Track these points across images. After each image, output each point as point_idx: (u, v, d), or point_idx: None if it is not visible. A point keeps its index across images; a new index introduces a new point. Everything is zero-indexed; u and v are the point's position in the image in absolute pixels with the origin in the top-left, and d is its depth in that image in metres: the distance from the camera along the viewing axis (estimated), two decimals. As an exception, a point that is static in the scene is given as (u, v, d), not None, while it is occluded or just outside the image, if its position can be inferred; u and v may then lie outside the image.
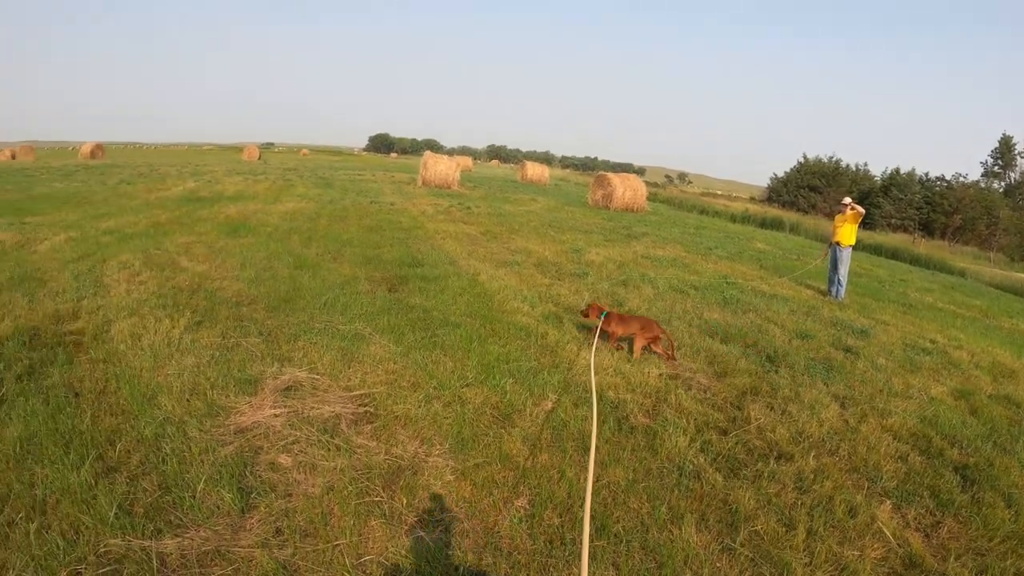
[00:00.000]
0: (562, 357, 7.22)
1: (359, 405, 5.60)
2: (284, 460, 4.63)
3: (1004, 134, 72.25)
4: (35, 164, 51.28)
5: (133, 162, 56.57)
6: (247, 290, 9.13)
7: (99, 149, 67.45)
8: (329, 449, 4.82)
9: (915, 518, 4.81)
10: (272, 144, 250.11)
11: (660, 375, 7.00)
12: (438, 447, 5.00)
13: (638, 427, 5.65)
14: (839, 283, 13.82)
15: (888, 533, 4.49)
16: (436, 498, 4.32)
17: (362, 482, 4.42)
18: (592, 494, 4.42)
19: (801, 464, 5.27)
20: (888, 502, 4.93)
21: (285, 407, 5.41)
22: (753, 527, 4.30)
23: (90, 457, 4.47)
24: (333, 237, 14.48)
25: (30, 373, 5.92)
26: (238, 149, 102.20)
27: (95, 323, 7.35)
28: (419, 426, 5.29)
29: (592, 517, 4.18)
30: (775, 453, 5.44)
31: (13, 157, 64.04)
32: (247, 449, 4.75)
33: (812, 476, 5.09)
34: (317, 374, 6.18)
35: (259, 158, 74.24)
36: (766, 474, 5.02)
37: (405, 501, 4.24)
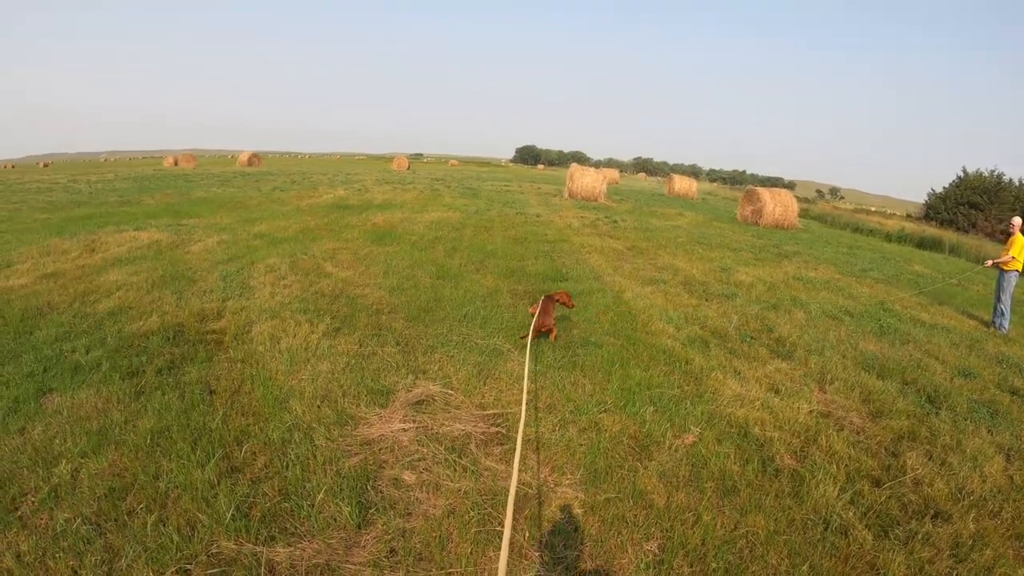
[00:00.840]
0: (707, 386, 6.93)
1: (491, 424, 5.57)
2: (407, 477, 4.66)
3: None
4: (195, 171, 55.39)
5: (287, 170, 59.77)
6: (388, 298, 9.39)
7: (256, 158, 71.85)
8: (455, 469, 4.80)
9: None
10: (421, 155, 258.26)
11: (811, 412, 6.58)
12: (569, 476, 4.88)
13: (784, 470, 5.32)
14: (1002, 313, 12.41)
15: None
16: (561, 532, 4.19)
17: (486, 508, 4.35)
18: (726, 542, 4.22)
19: (959, 526, 4.78)
20: (1054, 578, 4.41)
21: (414, 422, 5.47)
22: (904, 598, 3.94)
23: (216, 456, 4.70)
24: (477, 248, 14.64)
25: (170, 368, 6.35)
26: (388, 159, 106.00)
27: (237, 323, 7.79)
28: (551, 452, 5.20)
29: (727, 570, 3.99)
30: (931, 511, 4.96)
31: (175, 164, 69.57)
32: (371, 462, 4.82)
33: (971, 542, 4.61)
34: (451, 389, 6.22)
35: (408, 168, 76.44)
36: (920, 536, 4.59)
37: (528, 533, 4.14)
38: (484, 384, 6.42)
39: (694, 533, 4.30)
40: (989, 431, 6.75)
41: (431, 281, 10.69)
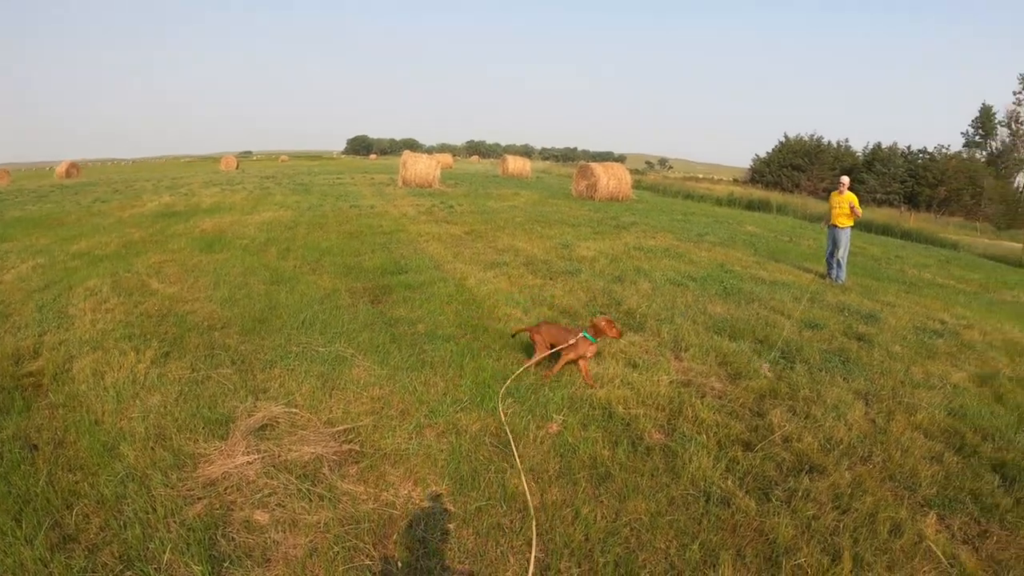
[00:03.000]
0: (564, 369, 6.75)
1: (342, 442, 5.09)
2: (260, 517, 4.14)
3: (984, 104, 73.19)
4: (9, 188, 50.14)
5: (110, 179, 55.45)
6: (220, 312, 8.61)
7: (74, 168, 65.90)
8: (311, 500, 4.32)
9: (960, 529, 4.47)
10: (250, 152, 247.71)
11: (671, 382, 6.56)
12: (433, 487, 4.52)
13: (655, 447, 5.21)
14: (839, 266, 13.56)
15: (938, 552, 4.11)
16: (435, 554, 3.83)
17: (350, 539, 3.92)
18: (610, 533, 4.03)
19: (836, 478, 4.86)
20: (932, 513, 4.56)
21: (259, 451, 4.89)
22: (795, 560, 3.89)
23: (45, 526, 3.97)
24: (312, 246, 13.94)
25: (-17, 426, 5.41)
26: (216, 159, 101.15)
27: (56, 361, 6.82)
28: (411, 464, 4.80)
29: (616, 563, 3.78)
30: (806, 466, 5.02)
31: (-14, 182, 62.76)
32: (218, 506, 4.24)
33: (850, 491, 4.70)
34: (295, 407, 5.64)
35: (237, 167, 73.14)
36: (801, 493, 4.61)
37: (400, 560, 3.76)
38: (330, 397, 5.90)
39: (575, 530, 4.08)
40: (844, 379, 7.07)
41: (265, 288, 9.92)
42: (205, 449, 4.92)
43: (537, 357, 6.65)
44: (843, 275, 13.54)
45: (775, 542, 4.05)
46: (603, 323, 6.53)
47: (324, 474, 4.64)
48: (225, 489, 4.42)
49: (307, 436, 5.16)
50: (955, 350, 8.77)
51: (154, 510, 4.15)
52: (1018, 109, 70.89)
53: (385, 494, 4.41)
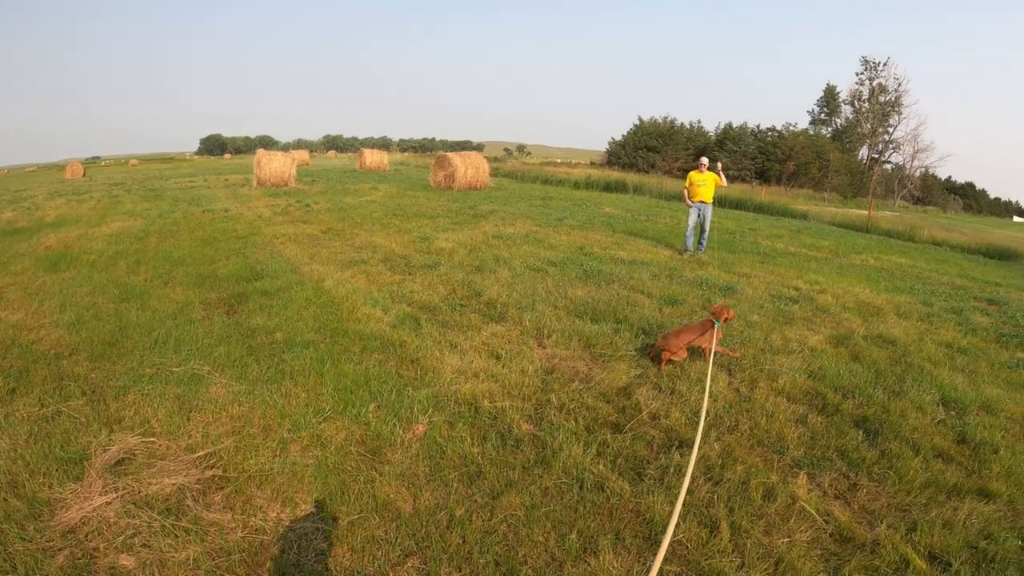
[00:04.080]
0: (426, 367, 6.62)
1: (205, 468, 4.75)
2: (126, 562, 3.78)
3: (828, 84, 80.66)
4: None
5: None
6: (68, 337, 7.88)
7: None
8: (177, 536, 3.99)
9: (831, 485, 4.72)
10: (98, 158, 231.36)
11: (536, 370, 6.57)
12: (303, 507, 4.30)
13: (524, 439, 5.17)
14: (703, 238, 14.70)
15: (812, 510, 4.34)
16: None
17: (221, 574, 3.67)
18: (488, 533, 3.96)
19: (706, 450, 5.01)
20: (802, 473, 4.79)
21: (117, 489, 4.49)
22: (674, 537, 3.95)
23: None
24: (163, 257, 13.06)
25: None
26: (61, 168, 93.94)
27: None
28: (277, 483, 4.54)
29: (496, 563, 3.72)
30: (675, 442, 5.14)
31: None
32: (80, 555, 3.84)
33: (720, 462, 4.85)
34: (152, 436, 5.22)
35: (84, 175, 67.86)
36: (672, 469, 4.71)
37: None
38: (188, 421, 5.48)
39: (452, 534, 3.98)
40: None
41: (114, 306, 9.14)
42: (61, 493, 4.46)
43: (673, 357, 6.76)
44: (704, 244, 14.78)
45: (652, 521, 4.10)
46: (720, 309, 7.16)
47: (188, 505, 4.31)
48: (86, 535, 4.03)
49: (167, 466, 4.78)
50: (811, 315, 9.30)
51: (14, 568, 3.72)
52: (860, 88, 78.27)
53: (254, 519, 4.16)
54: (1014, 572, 3.86)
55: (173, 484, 4.54)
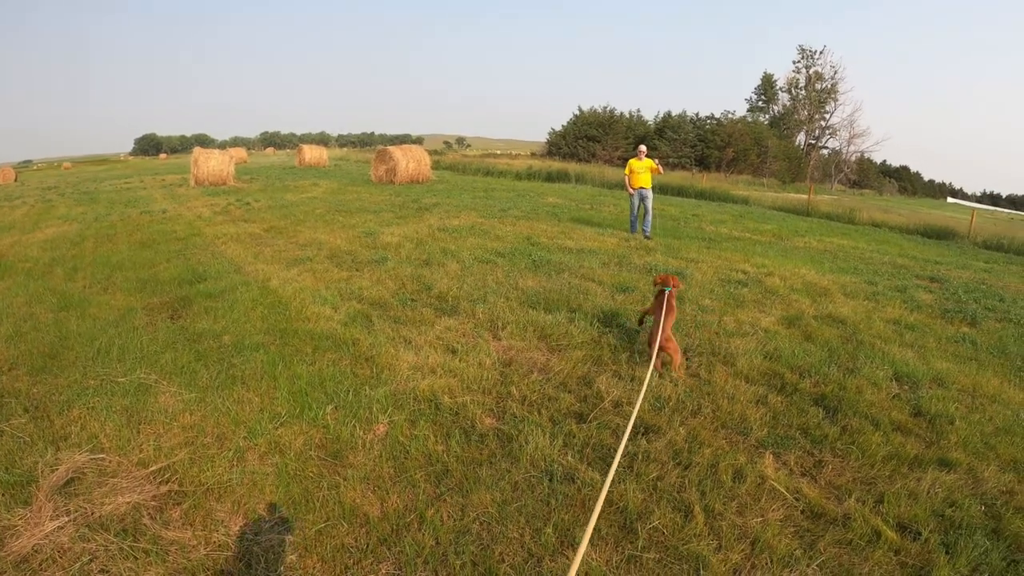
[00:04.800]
0: (382, 364, 6.51)
1: (160, 483, 4.53)
2: None
3: (765, 72, 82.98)
4: None
5: None
6: (6, 351, 7.49)
7: None
8: (136, 558, 3.79)
9: (797, 463, 4.80)
10: (30, 162, 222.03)
11: (494, 363, 6.52)
12: (266, 517, 4.15)
13: (488, 433, 5.11)
14: (647, 223, 15.34)
15: (782, 489, 4.40)
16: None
17: None
18: (461, 532, 3.91)
19: (672, 435, 5.03)
20: (768, 453, 4.87)
21: (68, 512, 4.24)
22: (650, 524, 3.95)
23: None
24: (102, 262, 12.59)
25: None
26: None
27: None
28: (237, 494, 4.37)
29: (473, 563, 3.67)
30: (641, 429, 5.17)
31: None
32: None
33: (688, 446, 4.87)
34: (101, 452, 4.96)
35: (15, 180, 65.09)
36: (641, 456, 4.71)
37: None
38: (138, 434, 5.22)
39: (424, 536, 3.89)
40: (663, 337, 7.32)
41: (53, 316, 8.74)
42: (10, 520, 4.21)
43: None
44: (648, 227, 15.42)
45: (627, 509, 4.09)
46: (665, 277, 7.10)
47: (145, 524, 4.10)
48: (40, 564, 3.79)
49: (119, 484, 4.55)
50: (760, 297, 9.47)
51: (-28, 609, 3.52)
52: (797, 76, 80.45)
53: (215, 535, 3.99)
54: (981, 537, 3.97)
55: (127, 502, 4.33)
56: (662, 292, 6.85)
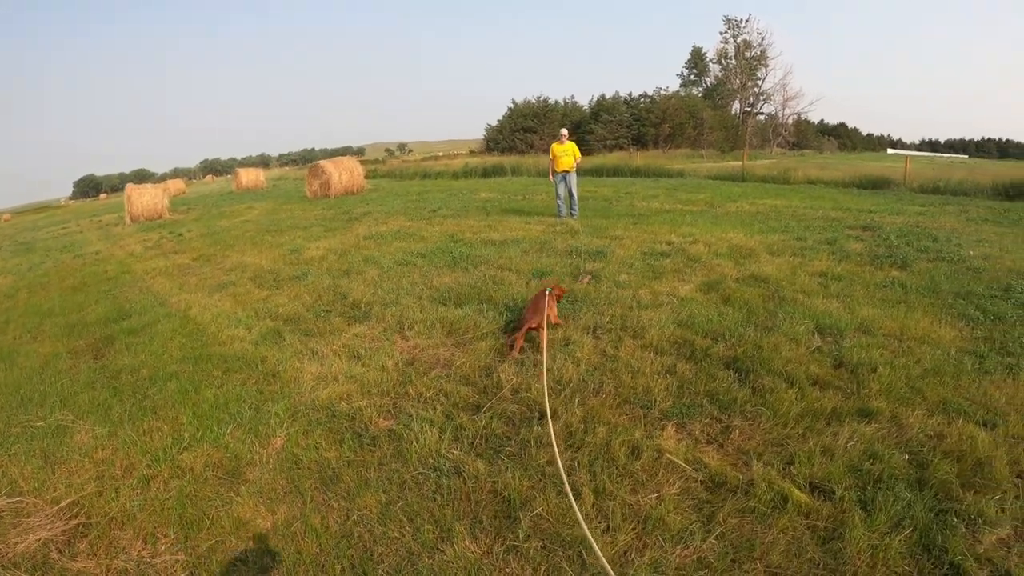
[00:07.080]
0: (286, 378, 6.41)
1: (69, 518, 4.52)
2: None
3: (694, 46, 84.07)
4: None
5: None
6: None
7: None
8: None
9: (703, 431, 4.72)
10: None
11: (396, 364, 6.41)
12: (163, 540, 4.12)
13: (380, 435, 5.00)
14: (574, 204, 15.79)
15: (679, 461, 4.29)
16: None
17: None
18: (343, 536, 3.81)
19: (567, 417, 4.93)
20: (669, 424, 4.77)
21: None
22: (533, 511, 3.84)
23: None
24: (33, 311, 12.29)
25: None
26: None
27: None
28: (138, 521, 4.34)
29: (352, 566, 3.61)
30: (536, 414, 5.05)
31: None
32: None
33: (583, 427, 4.78)
34: (19, 495, 4.91)
35: None
36: (532, 442, 4.61)
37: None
38: (54, 474, 5.15)
39: (308, 543, 3.84)
40: (572, 318, 7.28)
41: None
42: None
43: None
44: (576, 209, 15.92)
45: (509, 499, 3.99)
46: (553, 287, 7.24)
47: (54, 559, 4.11)
48: None
49: (32, 523, 4.54)
50: (681, 266, 9.47)
51: None
52: (726, 47, 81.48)
53: (116, 562, 3.98)
54: (903, 489, 3.82)
55: (38, 539, 4.36)
56: (543, 291, 6.90)
